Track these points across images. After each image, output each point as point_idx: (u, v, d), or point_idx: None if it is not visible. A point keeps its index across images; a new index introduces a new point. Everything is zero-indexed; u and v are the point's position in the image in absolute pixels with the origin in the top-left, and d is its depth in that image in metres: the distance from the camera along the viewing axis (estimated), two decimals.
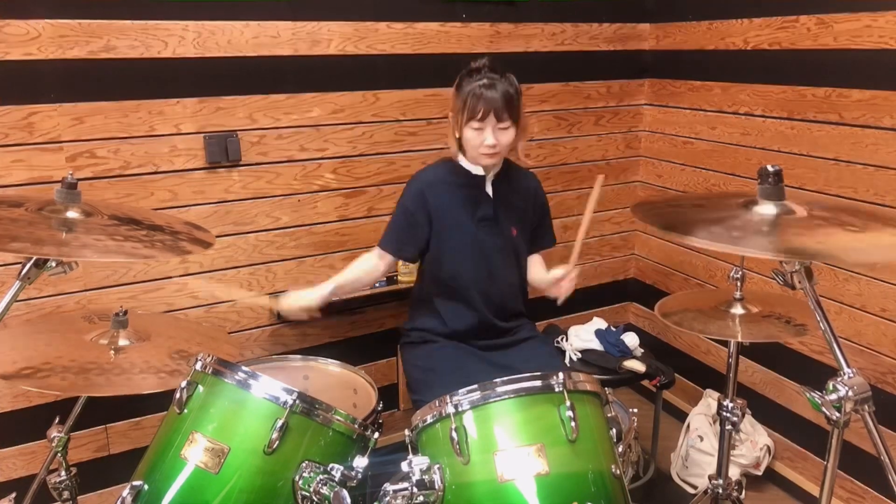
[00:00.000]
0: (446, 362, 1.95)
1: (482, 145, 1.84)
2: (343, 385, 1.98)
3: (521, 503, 1.28)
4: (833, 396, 1.21)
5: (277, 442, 1.33)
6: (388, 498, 1.32)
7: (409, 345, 2.09)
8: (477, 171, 1.96)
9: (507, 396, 1.36)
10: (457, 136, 1.91)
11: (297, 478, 1.34)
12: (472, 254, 1.96)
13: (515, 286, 2.07)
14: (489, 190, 1.98)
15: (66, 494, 1.69)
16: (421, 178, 2.00)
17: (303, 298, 1.94)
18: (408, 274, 2.41)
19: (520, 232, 2.03)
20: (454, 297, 2.00)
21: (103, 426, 2.18)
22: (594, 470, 1.33)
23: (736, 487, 2.00)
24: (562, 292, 1.97)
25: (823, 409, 1.23)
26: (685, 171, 2.78)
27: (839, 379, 1.22)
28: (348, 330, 2.51)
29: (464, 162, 1.97)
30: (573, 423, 1.32)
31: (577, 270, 1.95)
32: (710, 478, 2.01)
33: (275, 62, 2.15)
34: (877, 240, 1.33)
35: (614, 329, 2.59)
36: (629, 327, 2.71)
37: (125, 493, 1.31)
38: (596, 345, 2.52)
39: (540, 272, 2.11)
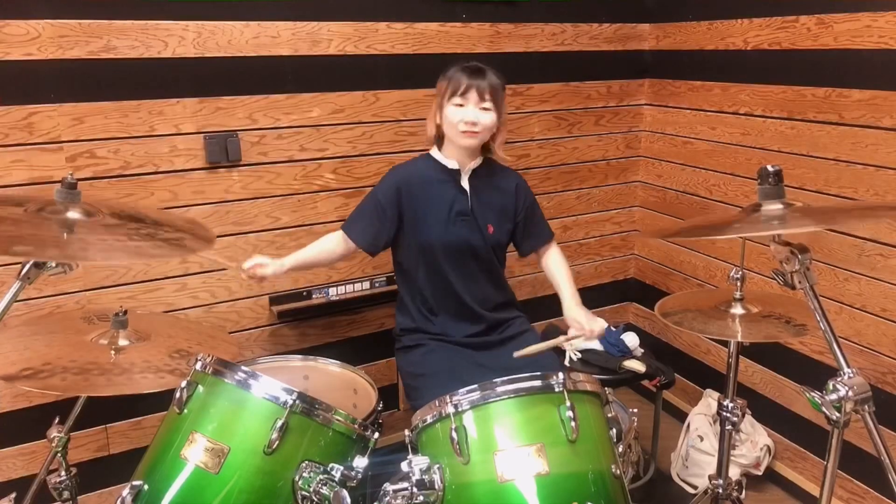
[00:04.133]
0: (438, 366, 1.95)
1: (462, 121, 1.86)
2: (343, 385, 1.98)
3: (520, 503, 1.28)
4: (833, 396, 1.21)
5: (277, 442, 1.33)
6: (388, 498, 1.32)
7: (401, 350, 2.09)
8: (452, 165, 1.97)
9: (506, 396, 1.36)
10: (437, 121, 1.94)
11: (297, 478, 1.34)
12: (446, 249, 1.97)
13: (494, 280, 2.07)
14: (465, 185, 1.99)
15: (66, 494, 1.69)
16: (398, 173, 2.01)
17: (263, 267, 1.92)
18: None
19: (497, 229, 2.03)
20: (436, 290, 2.01)
21: (103, 426, 2.18)
22: (594, 470, 1.33)
23: (736, 487, 2.00)
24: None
25: (823, 409, 1.23)
26: (685, 171, 2.78)
27: (839, 379, 1.22)
28: (348, 330, 2.51)
29: (439, 156, 1.99)
30: (573, 423, 1.32)
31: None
32: (710, 478, 2.01)
33: (275, 62, 2.15)
34: None
35: (614, 329, 2.59)
36: (629, 327, 2.71)
37: (125, 492, 1.31)
38: (596, 345, 2.52)
39: (559, 270, 2.08)
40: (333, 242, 2.03)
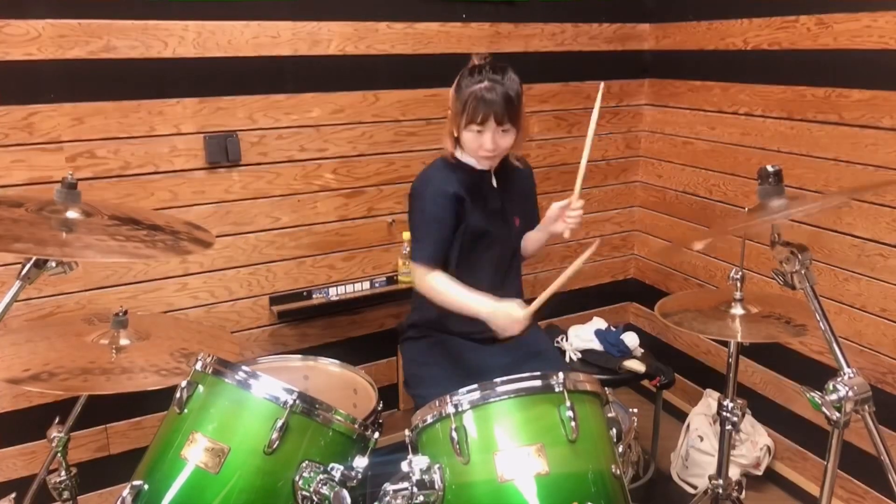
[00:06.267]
0: (443, 356, 1.96)
1: (481, 148, 1.82)
2: (343, 385, 1.98)
3: (520, 503, 1.28)
4: (833, 396, 1.21)
5: (277, 442, 1.33)
6: (388, 498, 1.32)
7: (407, 341, 2.08)
8: (482, 165, 1.93)
9: (507, 396, 1.35)
10: (455, 135, 1.89)
11: (297, 478, 1.34)
12: (485, 248, 1.95)
13: (514, 282, 2.06)
14: (494, 182, 1.97)
15: (66, 494, 1.69)
16: (435, 183, 1.91)
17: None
18: (408, 274, 2.41)
19: (521, 221, 2.03)
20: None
21: (103, 426, 2.18)
22: (594, 470, 1.33)
23: (736, 487, 2.00)
24: (569, 224, 1.85)
25: (823, 409, 1.23)
26: (685, 171, 2.78)
27: (839, 379, 1.22)
28: (348, 330, 2.51)
29: (465, 157, 1.93)
30: (573, 423, 1.32)
31: (582, 202, 1.84)
32: (710, 478, 2.01)
33: (275, 62, 2.15)
34: None
35: (614, 329, 2.59)
36: (629, 327, 2.71)
37: (125, 492, 1.31)
38: (596, 345, 2.52)
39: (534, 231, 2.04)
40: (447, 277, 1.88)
